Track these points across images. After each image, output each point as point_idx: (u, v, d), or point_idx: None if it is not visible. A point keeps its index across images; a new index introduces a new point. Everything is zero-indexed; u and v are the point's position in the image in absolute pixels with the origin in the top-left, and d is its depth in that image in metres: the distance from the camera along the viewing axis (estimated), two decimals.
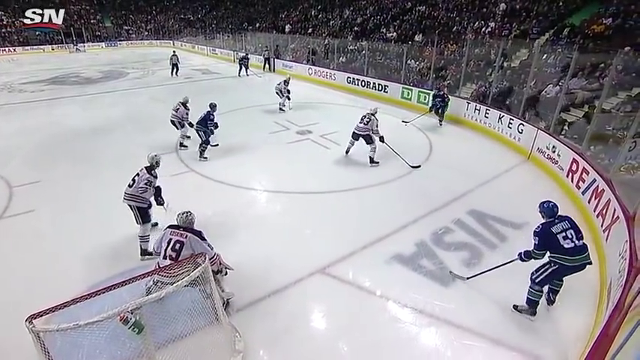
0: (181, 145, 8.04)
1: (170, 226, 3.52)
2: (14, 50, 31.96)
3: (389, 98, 11.90)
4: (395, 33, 16.05)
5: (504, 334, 3.43)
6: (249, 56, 17.76)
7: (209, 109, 7.33)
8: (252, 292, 3.93)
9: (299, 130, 9.25)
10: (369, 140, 7.06)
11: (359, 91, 13.25)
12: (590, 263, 3.35)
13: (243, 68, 17.23)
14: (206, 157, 7.36)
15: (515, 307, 3.66)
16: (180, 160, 7.49)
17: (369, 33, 17.34)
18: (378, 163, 7.13)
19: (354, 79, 13.63)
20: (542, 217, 3.50)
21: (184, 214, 3.54)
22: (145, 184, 4.47)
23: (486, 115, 8.87)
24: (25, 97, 14.56)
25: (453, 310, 3.68)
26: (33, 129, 9.82)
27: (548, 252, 3.37)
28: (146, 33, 38.47)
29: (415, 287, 4.01)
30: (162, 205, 4.68)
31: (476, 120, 9.26)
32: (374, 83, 12.76)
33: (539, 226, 3.41)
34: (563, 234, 3.30)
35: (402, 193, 6.12)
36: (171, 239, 3.40)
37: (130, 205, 4.52)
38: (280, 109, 10.89)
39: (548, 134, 6.91)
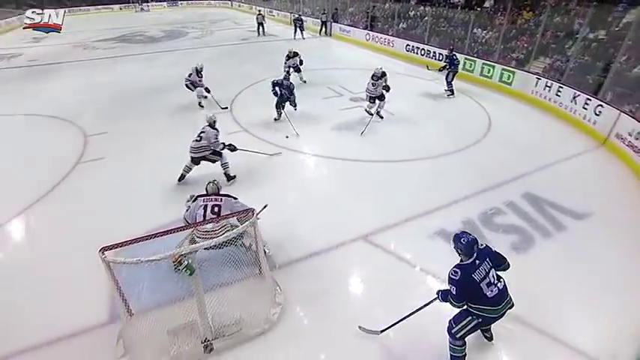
0: (200, 105, 8.50)
1: (200, 196, 3.76)
2: (88, 9, 34.42)
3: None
4: None
5: (549, 319, 3.30)
6: (302, 18, 17.45)
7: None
8: (295, 251, 4.13)
9: (353, 97, 9.09)
10: (381, 98, 7.61)
11: (417, 59, 12.57)
12: (512, 307, 2.80)
13: (299, 31, 17.04)
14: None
15: None
16: (234, 119, 7.80)
17: None
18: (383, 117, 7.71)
19: (413, 47, 12.91)
20: (459, 255, 2.76)
21: (213, 183, 3.84)
22: (215, 136, 5.32)
23: (558, 94, 8.05)
24: (97, 54, 15.71)
25: None
26: (103, 84, 10.64)
27: (468, 302, 2.73)
28: None
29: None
30: (234, 150, 5.59)
31: (545, 98, 8.44)
32: (434, 52, 12.01)
33: (456, 272, 2.67)
34: (487, 280, 2.66)
35: (455, 168, 5.89)
36: (206, 205, 3.65)
37: (202, 156, 5.34)
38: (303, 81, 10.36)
39: (634, 118, 6.14)
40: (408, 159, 6.16)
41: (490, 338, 3.15)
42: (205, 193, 3.81)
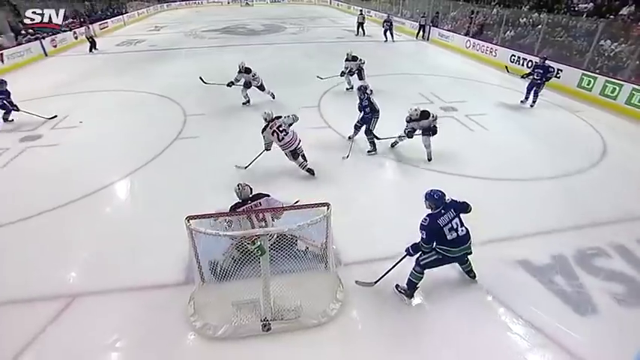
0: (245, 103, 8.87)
1: (235, 207, 3.68)
2: (200, 3, 38.62)
3: (560, 85, 10.07)
4: (591, 3, 13.13)
5: None
6: (392, 19, 17.22)
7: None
8: (366, 251, 4.17)
9: (443, 106, 8.75)
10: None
11: (522, 72, 11.54)
12: (470, 253, 3.50)
13: (388, 33, 16.85)
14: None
15: (396, 286, 3.67)
16: (321, 115, 8.07)
17: (552, 3, 14.61)
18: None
19: (519, 57, 11.91)
20: (428, 207, 3.41)
21: (243, 187, 3.76)
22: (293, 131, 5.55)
23: None
24: (204, 43, 17.53)
25: (580, 343, 3.19)
26: (206, 70, 11.80)
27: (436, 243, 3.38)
28: None
29: (538, 301, 3.58)
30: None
31: None
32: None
33: (425, 219, 3.31)
34: (449, 225, 3.32)
35: (549, 196, 5.31)
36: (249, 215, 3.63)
37: (294, 149, 5.53)
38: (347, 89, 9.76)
39: None
40: (490, 177, 5.73)
41: (474, 277, 3.79)
42: (240, 201, 3.76)
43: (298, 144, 5.55)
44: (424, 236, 3.30)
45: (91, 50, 15.93)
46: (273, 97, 8.96)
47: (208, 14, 30.12)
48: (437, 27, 17.11)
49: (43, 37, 15.38)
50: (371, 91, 6.72)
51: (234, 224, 3.61)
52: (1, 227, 4.71)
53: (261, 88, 8.78)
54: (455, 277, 3.87)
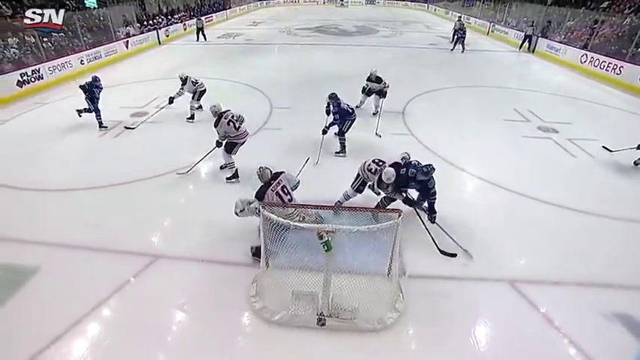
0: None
1: (264, 190, 3.83)
2: (297, 1, 40.58)
3: None
4: None
5: None
6: (465, 28, 15.81)
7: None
8: (432, 267, 4.03)
9: (542, 126, 7.98)
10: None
11: None
12: None
13: (459, 43, 15.50)
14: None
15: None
16: (405, 123, 7.99)
17: None
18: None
19: None
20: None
21: (264, 170, 4.04)
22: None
23: None
24: (297, 40, 18.39)
25: None
26: (297, 66, 12.45)
27: None
28: None
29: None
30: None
31: None
32: None
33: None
34: None
35: None
36: (277, 192, 3.86)
37: (242, 143, 5.65)
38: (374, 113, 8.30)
39: None
40: (595, 213, 5.06)
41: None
42: (266, 183, 3.95)
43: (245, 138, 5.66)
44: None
45: (198, 39, 17.84)
46: (200, 108, 8.30)
47: (304, 13, 31.51)
48: (546, 37, 15.65)
49: (160, 28, 17.67)
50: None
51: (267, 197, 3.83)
52: (106, 187, 5.51)
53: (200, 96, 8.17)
54: (531, 315, 3.54)
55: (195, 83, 8.02)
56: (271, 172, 4.11)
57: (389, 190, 4.42)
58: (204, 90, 8.14)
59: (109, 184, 5.59)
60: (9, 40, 10.44)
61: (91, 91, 7.38)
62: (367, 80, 8.22)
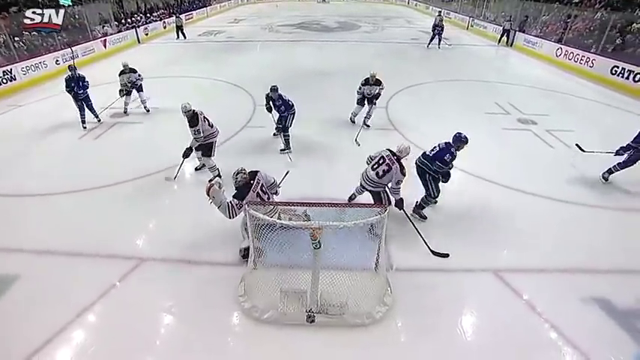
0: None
1: (242, 193, 3.70)
2: None
3: None
4: None
5: None
6: (442, 24, 15.44)
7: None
8: (418, 259, 4.08)
9: (521, 118, 8.17)
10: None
11: (625, 87, 10.34)
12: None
13: (436, 37, 15.28)
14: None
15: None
16: (388, 118, 8.07)
17: None
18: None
19: (623, 69, 10.64)
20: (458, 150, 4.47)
21: (242, 172, 3.77)
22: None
23: None
24: (279, 37, 18.23)
25: None
26: (279, 62, 12.35)
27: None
28: None
29: (619, 349, 3.19)
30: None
31: None
32: None
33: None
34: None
35: None
36: (257, 193, 3.75)
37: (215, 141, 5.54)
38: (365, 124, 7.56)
39: None
40: (575, 201, 5.22)
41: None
42: (246, 184, 3.77)
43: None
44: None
45: (178, 37, 17.49)
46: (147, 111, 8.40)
47: (285, 9, 31.24)
48: (524, 32, 15.98)
49: (139, 26, 17.24)
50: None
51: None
52: (89, 190, 5.37)
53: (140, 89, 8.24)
54: (515, 303, 3.64)
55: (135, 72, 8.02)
56: (248, 175, 3.90)
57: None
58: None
59: (90, 186, 5.45)
60: None
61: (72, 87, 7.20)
62: (364, 85, 7.24)
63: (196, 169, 5.92)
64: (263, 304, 3.47)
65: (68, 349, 3.18)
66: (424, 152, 4.67)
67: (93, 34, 14.60)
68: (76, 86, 7.21)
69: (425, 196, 4.68)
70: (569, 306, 3.59)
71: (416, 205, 4.78)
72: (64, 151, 6.71)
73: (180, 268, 4.00)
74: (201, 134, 5.31)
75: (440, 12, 18.50)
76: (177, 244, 4.31)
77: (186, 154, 5.51)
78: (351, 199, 4.93)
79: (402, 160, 4.29)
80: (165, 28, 19.46)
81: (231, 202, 3.65)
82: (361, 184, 4.56)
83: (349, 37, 18.05)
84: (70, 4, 14.78)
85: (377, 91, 7.21)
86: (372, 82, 7.16)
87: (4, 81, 9.79)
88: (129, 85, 8.00)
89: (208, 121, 5.41)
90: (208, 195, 3.61)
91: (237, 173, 3.79)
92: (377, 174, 4.31)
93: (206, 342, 3.24)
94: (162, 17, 20.40)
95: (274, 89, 6.28)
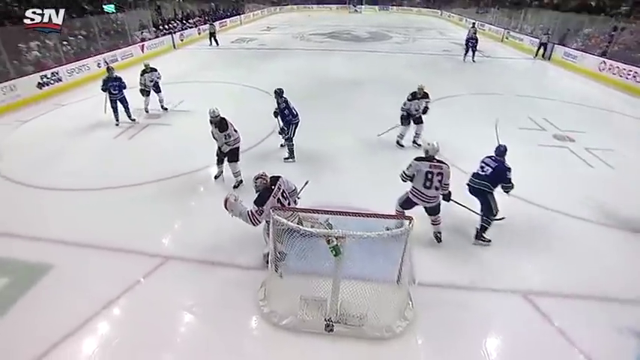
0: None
1: (263, 199, 3.70)
2: (311, 7, 41.05)
3: None
4: None
5: None
6: (476, 37, 15.07)
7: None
8: (444, 275, 4.01)
9: (557, 134, 7.87)
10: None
11: None
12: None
13: (470, 52, 14.97)
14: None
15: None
16: None
17: None
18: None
19: None
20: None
21: (263, 177, 3.80)
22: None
23: None
24: (309, 45, 18.53)
25: None
26: (309, 71, 12.54)
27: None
28: (417, 0, 40.44)
29: None
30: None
31: None
32: None
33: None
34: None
35: None
36: (278, 198, 3.74)
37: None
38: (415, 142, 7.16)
39: None
40: (615, 225, 4.93)
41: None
42: (267, 188, 3.78)
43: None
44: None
45: (210, 43, 18.14)
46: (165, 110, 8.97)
47: (317, 19, 31.78)
48: (564, 45, 15.45)
49: (175, 32, 18.03)
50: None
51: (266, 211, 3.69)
52: (119, 188, 5.62)
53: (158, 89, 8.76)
54: (544, 328, 3.48)
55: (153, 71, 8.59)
56: (268, 177, 3.89)
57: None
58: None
59: (122, 184, 5.70)
60: (30, 43, 10.78)
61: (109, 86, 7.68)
62: (411, 99, 6.74)
63: (216, 177, 5.97)
64: (282, 310, 3.49)
65: (93, 338, 3.31)
66: (476, 173, 4.38)
67: (132, 39, 15.38)
68: (112, 87, 7.66)
69: (484, 217, 4.39)
70: (603, 336, 3.39)
71: (477, 233, 4.51)
72: (100, 149, 7.07)
73: (204, 269, 4.09)
74: (231, 138, 5.50)
75: (474, 24, 18.24)
76: (201, 246, 4.42)
77: (221, 160, 5.68)
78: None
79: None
80: (199, 34, 20.21)
81: (250, 210, 3.72)
82: (425, 207, 4.34)
83: (380, 48, 18.09)
84: (114, 11, 15.69)
85: (424, 104, 6.81)
86: (420, 95, 6.73)
87: (52, 82, 10.49)
88: (150, 84, 8.53)
89: (233, 126, 5.58)
90: (227, 209, 3.72)
91: (257, 178, 3.84)
92: (436, 188, 4.17)
93: (226, 343, 3.29)
94: (198, 24, 21.20)
95: (279, 93, 6.40)
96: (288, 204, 3.95)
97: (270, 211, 3.42)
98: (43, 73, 10.26)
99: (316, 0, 43.41)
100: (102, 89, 7.70)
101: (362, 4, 40.95)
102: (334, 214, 3.73)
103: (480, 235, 4.48)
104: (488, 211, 4.34)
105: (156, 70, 8.61)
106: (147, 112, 8.75)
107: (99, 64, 12.23)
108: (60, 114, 9.04)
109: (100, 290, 3.76)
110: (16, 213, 5.10)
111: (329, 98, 9.63)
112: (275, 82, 10.99)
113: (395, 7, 40.61)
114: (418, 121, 6.93)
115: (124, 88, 7.81)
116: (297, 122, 6.48)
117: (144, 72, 8.45)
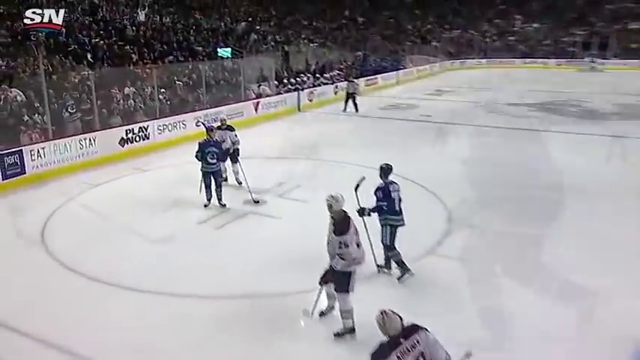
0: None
1: (382, 354, 3.62)
2: (513, 62, 42.40)
3: None
4: None
5: None
6: None
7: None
8: None
9: None
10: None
11: None
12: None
13: None
14: None
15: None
16: None
17: None
18: None
19: None
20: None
21: (392, 318, 3.70)
22: None
23: None
24: (502, 122, 18.89)
25: None
26: (495, 161, 12.62)
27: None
28: None
29: None
30: None
31: None
32: None
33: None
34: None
35: None
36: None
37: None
38: None
39: None
40: None
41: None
42: (393, 339, 3.64)
43: None
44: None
45: (345, 108, 20.33)
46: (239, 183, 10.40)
47: (521, 79, 32.44)
48: None
49: (303, 89, 20.77)
50: None
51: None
52: (185, 298, 6.25)
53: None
54: None
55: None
56: (400, 319, 3.75)
57: None
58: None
59: (190, 293, 6.33)
60: (125, 89, 13.85)
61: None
62: None
63: (321, 314, 5.85)
64: None
65: None
66: None
67: (246, 93, 18.31)
68: (210, 154, 9.15)
69: None
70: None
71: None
72: (174, 236, 8.15)
73: None
74: (350, 248, 5.34)
75: None
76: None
77: (326, 279, 5.58)
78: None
79: None
80: (336, 94, 22.93)
81: None
82: None
83: (635, 132, 16.91)
84: (229, 56, 19.23)
85: None
86: None
87: (138, 138, 13.17)
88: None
89: (357, 235, 5.53)
90: None
91: (383, 316, 3.76)
92: None
93: None
94: (336, 80, 24.09)
95: (386, 168, 7.27)
96: None
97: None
98: (130, 127, 12.91)
99: (521, 52, 44.83)
100: (195, 156, 9.25)
101: (605, 59, 40.45)
102: None
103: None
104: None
105: (233, 130, 10.22)
106: (226, 180, 10.34)
107: (197, 122, 14.65)
108: (138, 181, 11.12)
109: None
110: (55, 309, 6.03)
111: (529, 213, 8.78)
112: (438, 174, 11.18)
113: None
114: None
115: (224, 159, 9.28)
116: (401, 224, 6.82)
117: (217, 127, 10.09)
